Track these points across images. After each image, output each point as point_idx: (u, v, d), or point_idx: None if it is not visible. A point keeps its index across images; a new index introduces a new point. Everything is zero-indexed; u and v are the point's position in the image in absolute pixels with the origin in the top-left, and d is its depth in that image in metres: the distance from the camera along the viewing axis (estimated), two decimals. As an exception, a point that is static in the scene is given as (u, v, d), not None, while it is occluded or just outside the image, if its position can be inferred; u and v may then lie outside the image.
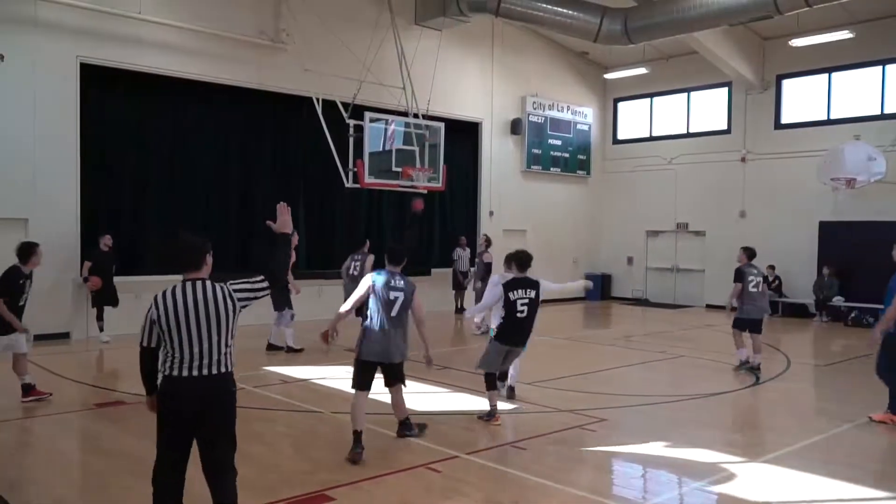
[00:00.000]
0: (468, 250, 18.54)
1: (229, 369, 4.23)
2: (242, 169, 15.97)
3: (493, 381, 7.97)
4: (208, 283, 4.24)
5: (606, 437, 7.54)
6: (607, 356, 12.94)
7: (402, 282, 6.71)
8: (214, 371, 4.14)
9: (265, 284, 4.34)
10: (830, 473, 6.42)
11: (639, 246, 23.15)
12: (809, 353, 14.75)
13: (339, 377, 10.08)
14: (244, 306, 4.29)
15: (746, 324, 11.35)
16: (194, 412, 4.10)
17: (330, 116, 14.35)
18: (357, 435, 6.52)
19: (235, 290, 4.26)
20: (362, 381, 6.64)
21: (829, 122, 19.40)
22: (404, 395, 7.14)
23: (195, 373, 4.11)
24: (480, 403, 8.75)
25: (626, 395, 9.61)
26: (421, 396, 8.96)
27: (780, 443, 7.32)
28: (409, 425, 7.18)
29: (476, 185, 20.50)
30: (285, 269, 4.55)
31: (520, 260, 7.93)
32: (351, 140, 14.16)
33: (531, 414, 8.43)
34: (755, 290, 11.21)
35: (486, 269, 15.99)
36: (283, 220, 4.60)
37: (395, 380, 6.90)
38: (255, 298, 4.34)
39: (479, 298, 14.31)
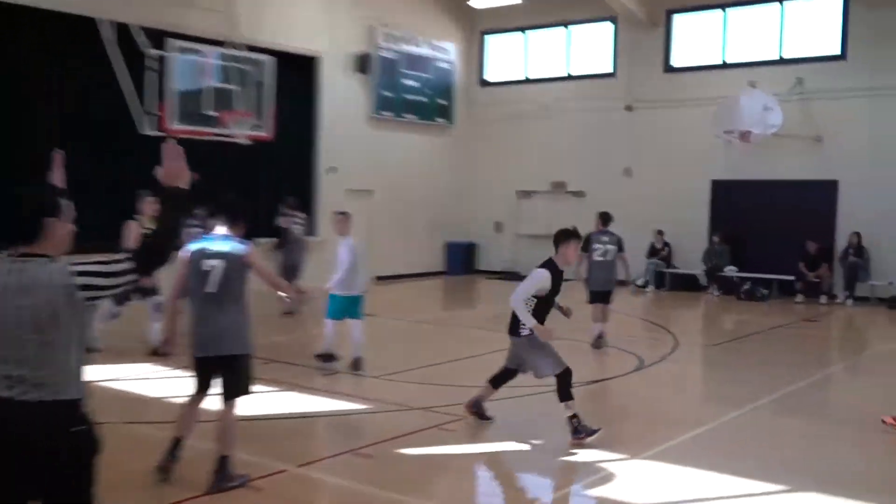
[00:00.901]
0: (300, 217, 17.73)
1: (69, 396, 3.35)
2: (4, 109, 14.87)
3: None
4: (45, 261, 3.36)
5: (469, 438, 7.67)
6: (471, 342, 13.11)
7: (227, 245, 6.30)
8: (36, 396, 3.30)
9: (127, 267, 3.44)
10: (715, 467, 6.83)
11: (509, 209, 23.67)
12: (698, 330, 15.69)
13: (140, 377, 9.71)
14: (93, 299, 3.37)
15: (594, 297, 12.31)
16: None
17: (125, 46, 13.63)
18: (175, 442, 6.28)
19: (81, 274, 3.35)
20: (196, 382, 6.38)
21: (723, 66, 20.51)
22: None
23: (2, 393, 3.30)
24: (310, 402, 8.69)
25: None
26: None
27: (664, 435, 7.72)
28: (225, 472, 6.18)
29: (312, 134, 20.17)
30: (169, 244, 3.62)
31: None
32: (151, 75, 13.50)
33: (379, 413, 8.43)
34: (601, 258, 12.20)
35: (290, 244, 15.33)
36: (173, 167, 3.83)
37: (230, 386, 6.19)
38: (113, 289, 3.42)
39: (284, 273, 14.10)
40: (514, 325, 7.58)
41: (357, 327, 10.47)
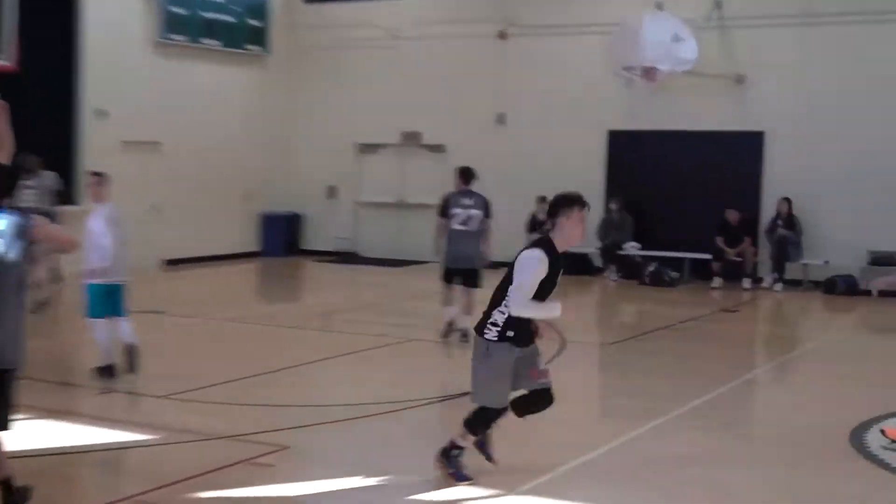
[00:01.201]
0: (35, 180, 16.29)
1: None
2: None
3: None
4: None
5: (289, 475, 7.57)
6: (295, 346, 13.00)
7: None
8: None
9: None
10: (609, 501, 7.03)
11: (346, 169, 23.55)
12: (591, 325, 16.06)
13: None
14: None
15: (452, 274, 12.59)
16: None
17: None
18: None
19: None
20: None
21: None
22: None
23: None
24: (73, 433, 8.41)
25: (322, 406, 9.68)
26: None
27: (547, 463, 7.82)
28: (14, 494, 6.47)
29: (73, 64, 19.41)
30: None
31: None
32: None
33: (168, 446, 8.23)
34: (462, 226, 12.48)
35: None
36: None
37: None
38: None
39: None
40: (483, 321, 7.14)
41: (124, 326, 10.35)
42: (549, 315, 7.08)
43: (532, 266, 6.88)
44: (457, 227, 12.48)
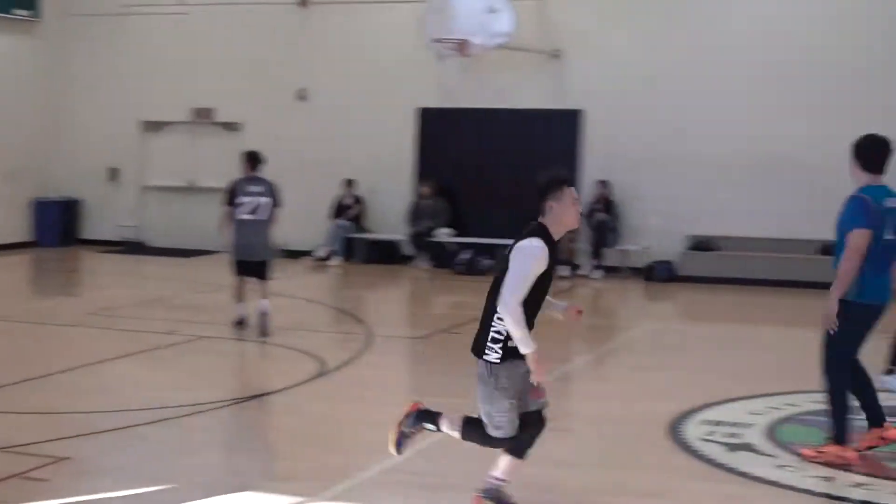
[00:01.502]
0: None
1: None
2: None
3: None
4: None
5: (67, 489, 7.41)
6: (74, 346, 12.74)
7: None
8: None
9: None
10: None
11: (129, 150, 23.04)
12: (401, 318, 16.19)
13: None
14: None
15: (241, 267, 12.76)
16: None
17: None
18: None
19: None
20: None
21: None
22: None
23: None
24: None
25: (103, 413, 9.47)
26: None
27: (353, 466, 7.88)
28: None
29: None
30: None
31: None
32: None
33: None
34: (249, 216, 12.58)
35: None
36: None
37: None
38: None
39: None
40: (481, 340, 6.58)
41: None
42: (524, 341, 6.30)
43: (534, 257, 6.37)
44: (245, 216, 12.55)
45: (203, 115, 22.58)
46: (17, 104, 22.18)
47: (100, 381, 11.05)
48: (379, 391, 10.89)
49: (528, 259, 6.38)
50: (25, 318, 14.51)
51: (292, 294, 16.27)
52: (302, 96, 21.78)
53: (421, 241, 20.41)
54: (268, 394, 10.43)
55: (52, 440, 8.38)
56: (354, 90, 21.29)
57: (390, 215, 21.05)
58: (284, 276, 18.30)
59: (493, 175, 20.44)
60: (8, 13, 21.81)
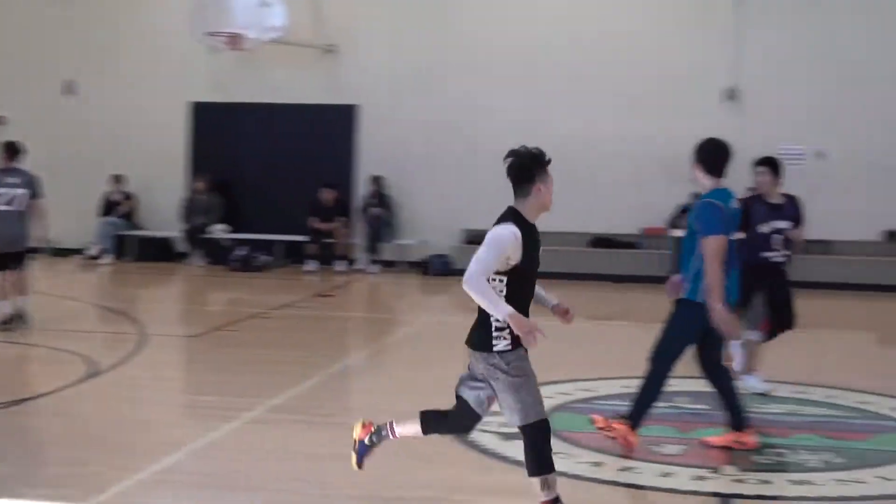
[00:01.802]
0: None
1: None
2: None
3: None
4: None
5: None
6: None
7: None
8: None
9: None
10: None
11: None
12: (175, 317, 15.77)
13: None
14: None
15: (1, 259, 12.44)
16: None
17: None
18: None
19: None
20: None
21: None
22: None
23: None
24: None
25: None
26: None
27: (126, 468, 7.47)
28: None
29: None
30: None
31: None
32: None
33: None
34: (4, 207, 12.29)
35: None
36: None
37: None
38: None
39: None
40: (483, 332, 6.18)
41: None
42: (494, 308, 5.91)
43: (503, 243, 5.97)
44: (1, 207, 12.16)
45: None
46: None
47: None
48: (152, 391, 10.52)
49: (494, 246, 5.95)
50: None
51: (60, 293, 15.67)
52: (69, 89, 20.97)
53: (195, 237, 19.94)
54: (33, 398, 9.87)
55: None
56: (124, 82, 20.72)
57: (164, 211, 20.48)
58: (52, 275, 17.65)
59: (268, 170, 20.19)
60: None
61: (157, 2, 20.41)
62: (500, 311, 5.82)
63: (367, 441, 6.79)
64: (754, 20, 18.72)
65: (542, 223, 6.23)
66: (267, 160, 20.23)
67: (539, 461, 6.18)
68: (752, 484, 7.39)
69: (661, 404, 8.23)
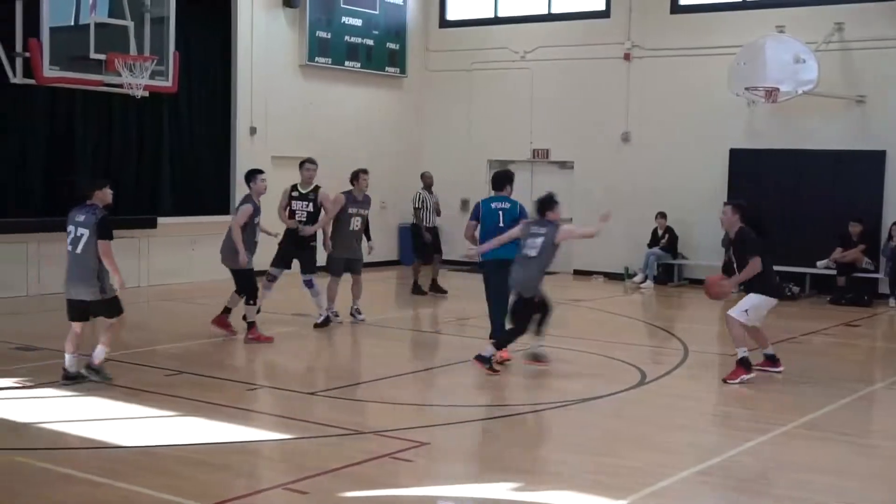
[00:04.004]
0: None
1: None
2: None
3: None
4: None
5: (428, 471, 7.73)
6: (427, 349, 13.36)
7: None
8: None
9: None
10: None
11: (478, 183, 23.62)
12: (710, 337, 15.82)
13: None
14: None
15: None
16: None
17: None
18: None
19: None
20: None
21: (744, 4, 20.72)
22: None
23: None
24: (226, 427, 8.72)
25: (457, 407, 9.90)
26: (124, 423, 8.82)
27: (665, 468, 7.83)
28: None
29: (229, 85, 20.01)
30: None
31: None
32: (18, 6, 13.41)
33: (315, 439, 8.48)
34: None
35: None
36: None
37: None
38: None
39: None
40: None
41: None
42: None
43: None
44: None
45: (540, 155, 22.96)
46: (388, 146, 23.19)
47: (447, 380, 11.41)
48: (690, 401, 10.67)
49: None
50: (395, 324, 15.24)
51: (613, 311, 16.43)
52: (625, 139, 21.77)
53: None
54: (598, 398, 10.39)
55: (413, 427, 8.76)
56: (671, 133, 21.10)
57: (701, 245, 20.59)
58: (606, 295, 18.46)
59: (797, 209, 19.63)
60: (383, 71, 22.92)
61: (700, 63, 20.61)
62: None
63: None
64: None
65: None
66: (795, 201, 19.79)
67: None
68: None
69: None
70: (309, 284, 13.98)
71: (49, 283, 16.00)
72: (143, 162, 18.73)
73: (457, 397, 10.41)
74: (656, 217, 20.91)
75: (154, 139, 18.78)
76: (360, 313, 14.63)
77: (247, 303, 12.62)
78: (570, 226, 14.25)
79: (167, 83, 15.35)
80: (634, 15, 21.63)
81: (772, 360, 11.52)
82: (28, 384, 10.19)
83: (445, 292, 18.65)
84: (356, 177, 14.67)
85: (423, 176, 19.78)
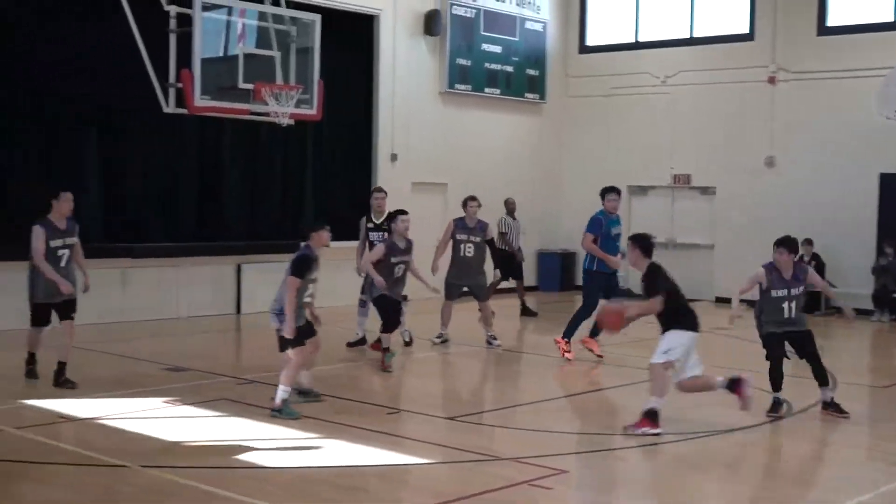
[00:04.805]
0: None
1: None
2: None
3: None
4: None
5: (566, 499, 7.64)
6: (571, 377, 13.22)
7: None
8: None
9: None
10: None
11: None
12: (862, 368, 15.32)
13: (148, 413, 10.01)
14: None
15: None
16: None
17: (140, 3, 14.06)
18: None
19: None
20: None
21: (895, 25, 20.09)
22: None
23: None
24: (362, 450, 8.78)
25: (594, 434, 9.80)
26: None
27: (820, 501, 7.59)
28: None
29: (371, 113, 20.34)
30: None
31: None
32: (172, 38, 13.87)
33: (457, 464, 8.48)
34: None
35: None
36: None
37: None
38: None
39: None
40: None
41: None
42: None
43: None
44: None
45: (681, 180, 22.65)
46: (527, 172, 23.23)
47: (588, 406, 11.30)
48: (843, 434, 10.33)
49: None
50: (529, 350, 15.19)
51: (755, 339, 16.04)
52: (770, 163, 21.31)
53: (881, 297, 19.33)
54: (740, 429, 10.14)
55: (552, 455, 8.68)
56: (818, 157, 20.57)
57: (855, 271, 19.88)
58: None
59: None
60: (522, 97, 22.99)
61: (847, 85, 20.03)
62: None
63: None
64: None
65: None
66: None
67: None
68: None
69: None
70: (362, 304, 14.15)
71: (198, 307, 16.52)
72: (287, 189, 19.18)
73: (595, 425, 10.30)
74: (802, 243, 20.26)
75: (298, 166, 19.22)
76: (495, 339, 14.64)
77: (381, 331, 12.76)
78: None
79: (312, 111, 15.61)
80: (779, 37, 21.23)
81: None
82: (176, 403, 10.47)
83: (536, 314, 19.26)
84: (464, 204, 14.85)
85: (506, 202, 20.03)
